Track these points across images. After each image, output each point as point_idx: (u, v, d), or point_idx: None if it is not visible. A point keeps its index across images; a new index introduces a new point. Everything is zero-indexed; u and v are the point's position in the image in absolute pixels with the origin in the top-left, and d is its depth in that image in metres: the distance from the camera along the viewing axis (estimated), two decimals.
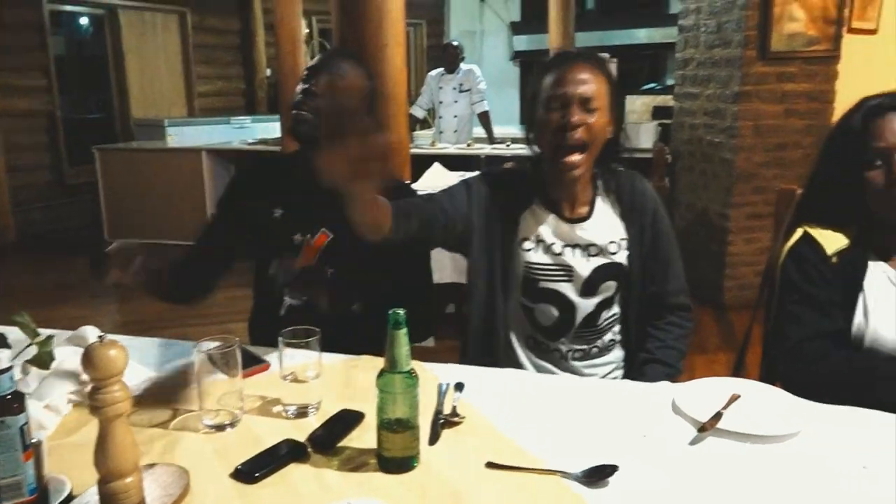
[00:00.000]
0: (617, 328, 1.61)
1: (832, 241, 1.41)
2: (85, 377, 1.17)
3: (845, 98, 3.93)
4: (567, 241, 1.53)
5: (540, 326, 1.57)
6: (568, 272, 1.52)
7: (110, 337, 0.90)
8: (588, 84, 1.43)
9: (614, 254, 1.54)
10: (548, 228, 1.53)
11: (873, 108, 1.38)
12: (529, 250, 1.53)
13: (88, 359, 0.83)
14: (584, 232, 1.53)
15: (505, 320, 1.58)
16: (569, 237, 1.53)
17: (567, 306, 1.54)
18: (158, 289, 1.58)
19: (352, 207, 1.24)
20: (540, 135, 1.50)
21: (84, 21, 7.32)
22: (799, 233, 1.46)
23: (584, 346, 1.58)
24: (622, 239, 1.55)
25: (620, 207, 1.57)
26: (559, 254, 1.52)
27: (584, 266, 1.52)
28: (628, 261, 1.55)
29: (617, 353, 1.63)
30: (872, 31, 4.22)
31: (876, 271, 1.38)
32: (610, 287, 1.54)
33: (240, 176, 1.83)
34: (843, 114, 1.45)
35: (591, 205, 1.55)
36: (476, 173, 1.65)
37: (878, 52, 4.32)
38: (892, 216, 1.35)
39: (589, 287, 1.53)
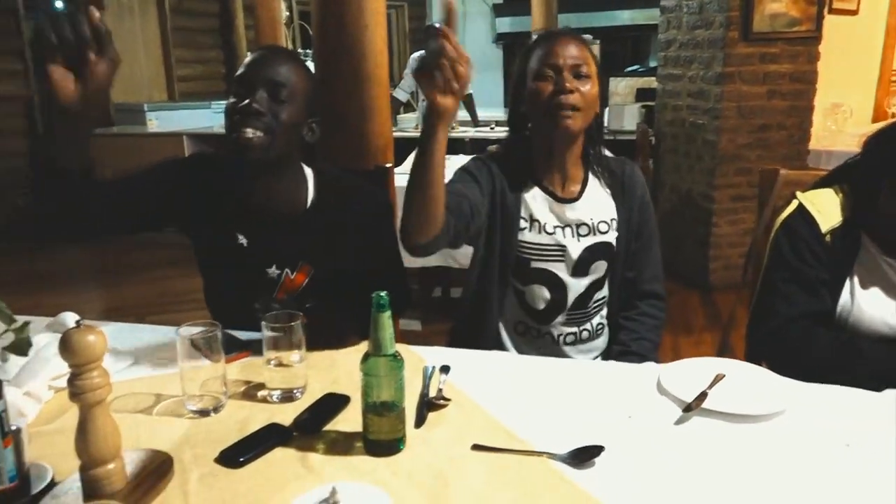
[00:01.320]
0: (604, 311, 1.62)
1: (827, 217, 1.39)
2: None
3: (827, 79, 3.97)
4: (559, 221, 1.53)
5: (531, 310, 1.57)
6: (560, 251, 1.52)
7: (88, 322, 0.88)
8: (578, 53, 1.46)
9: (605, 233, 1.54)
10: (541, 207, 1.53)
11: None
12: (524, 229, 1.53)
13: (66, 345, 0.82)
14: (575, 211, 1.53)
15: (498, 307, 1.57)
16: (561, 216, 1.53)
17: (559, 287, 1.54)
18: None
19: (419, 191, 1.23)
20: (532, 106, 1.49)
21: (59, 4, 7.17)
22: (794, 204, 1.43)
23: (575, 329, 1.58)
24: (612, 219, 1.55)
25: (611, 189, 1.58)
26: (552, 233, 1.52)
27: (576, 246, 1.52)
28: (616, 241, 1.56)
29: (604, 339, 1.64)
30: (853, 12, 4.24)
31: (867, 253, 1.37)
32: (601, 267, 1.55)
33: (190, 164, 1.59)
34: None
35: (583, 184, 1.56)
36: (476, 156, 1.60)
37: (859, 33, 4.34)
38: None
39: (580, 267, 1.53)
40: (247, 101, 1.37)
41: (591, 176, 1.57)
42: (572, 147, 1.52)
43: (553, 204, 1.53)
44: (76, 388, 0.83)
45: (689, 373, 1.23)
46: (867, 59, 4.52)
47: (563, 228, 1.53)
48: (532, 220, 1.53)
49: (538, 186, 1.54)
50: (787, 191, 1.76)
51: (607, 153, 1.60)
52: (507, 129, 1.64)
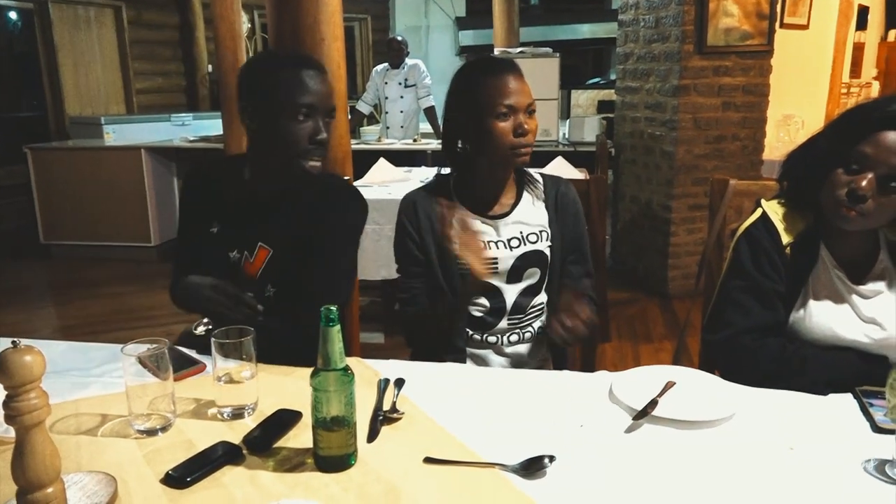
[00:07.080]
0: (544, 316, 1.67)
1: (789, 228, 1.39)
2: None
3: (779, 91, 4.07)
4: (490, 238, 1.59)
5: (474, 320, 1.62)
6: (493, 265, 1.58)
7: (27, 342, 0.86)
8: (527, 92, 1.52)
9: (535, 243, 1.60)
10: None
11: (890, 115, 1.25)
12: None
13: (1, 366, 0.79)
14: (506, 226, 1.60)
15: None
16: (491, 234, 1.59)
17: (496, 294, 1.60)
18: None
19: None
20: (488, 145, 1.52)
21: (13, 15, 7.02)
22: (758, 213, 1.43)
23: (518, 331, 1.63)
24: (542, 230, 1.61)
25: (545, 203, 1.64)
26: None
27: (508, 256, 1.59)
28: (551, 252, 1.62)
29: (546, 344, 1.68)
30: (804, 27, 4.37)
31: (822, 265, 1.38)
32: (534, 274, 1.61)
33: (195, 176, 1.65)
34: (867, 100, 1.34)
35: (516, 200, 1.63)
36: (406, 199, 1.65)
37: (809, 47, 4.47)
38: (841, 226, 1.32)
39: (514, 274, 1.60)
40: (321, 134, 1.45)
41: (525, 193, 1.64)
42: (510, 171, 1.61)
43: (483, 223, 1.60)
44: (12, 411, 0.81)
45: (641, 381, 1.25)
46: (817, 72, 4.65)
47: (495, 244, 1.59)
48: None
49: (471, 208, 1.60)
50: (737, 200, 1.79)
51: (552, 169, 1.64)
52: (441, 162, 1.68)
